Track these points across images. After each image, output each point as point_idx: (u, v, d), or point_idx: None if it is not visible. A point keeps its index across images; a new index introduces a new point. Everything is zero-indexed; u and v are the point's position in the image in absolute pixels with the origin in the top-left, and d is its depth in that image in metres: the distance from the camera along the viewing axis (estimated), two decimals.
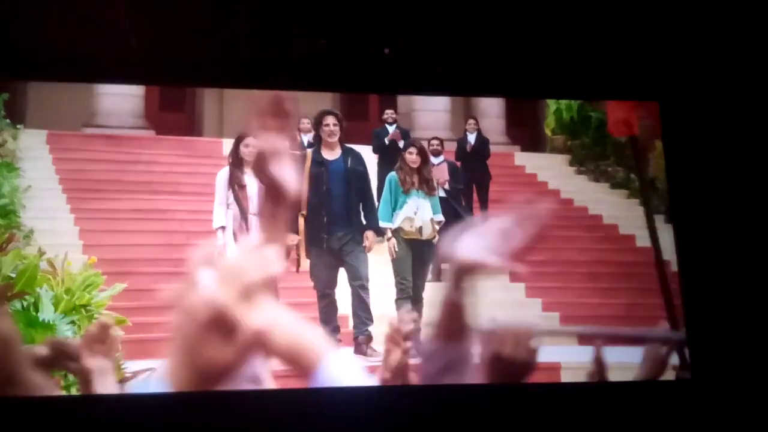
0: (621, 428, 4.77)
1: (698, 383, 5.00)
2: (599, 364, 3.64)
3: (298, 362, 1.35)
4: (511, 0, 4.66)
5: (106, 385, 2.49)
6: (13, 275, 4.92)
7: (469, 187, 6.33)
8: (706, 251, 5.25)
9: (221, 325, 1.20)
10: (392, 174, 5.90)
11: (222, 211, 5.58)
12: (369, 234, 5.68)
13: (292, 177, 1.71)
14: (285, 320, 1.31)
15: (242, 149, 5.57)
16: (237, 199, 5.57)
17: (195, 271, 1.26)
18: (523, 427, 4.68)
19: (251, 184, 5.54)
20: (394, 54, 5.13)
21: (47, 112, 6.21)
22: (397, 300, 5.66)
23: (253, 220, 5.46)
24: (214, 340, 1.22)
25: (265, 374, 1.85)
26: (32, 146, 6.15)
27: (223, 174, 5.61)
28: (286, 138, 1.76)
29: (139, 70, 5.19)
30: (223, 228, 5.54)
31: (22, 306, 4.84)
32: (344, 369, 1.37)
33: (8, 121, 5.90)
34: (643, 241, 5.78)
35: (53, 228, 5.79)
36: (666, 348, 2.83)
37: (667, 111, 5.39)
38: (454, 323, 1.99)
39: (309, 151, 5.88)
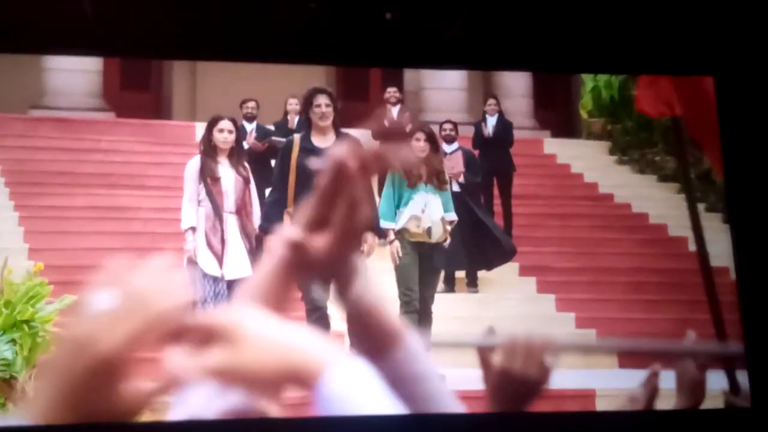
0: None
1: (759, 412, 5.06)
2: (651, 390, 3.63)
3: (294, 379, 1.36)
4: None
5: None
6: None
7: (489, 180, 6.37)
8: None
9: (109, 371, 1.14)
10: None
11: (192, 208, 5.56)
12: (367, 236, 5.60)
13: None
14: (256, 331, 1.27)
15: (216, 135, 5.56)
16: (209, 195, 5.55)
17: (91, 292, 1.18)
18: None
19: (226, 176, 5.54)
20: (397, 19, 5.19)
21: None
22: (401, 315, 5.63)
23: (229, 219, 5.49)
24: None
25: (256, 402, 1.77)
26: None
27: (194, 165, 5.59)
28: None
29: (96, 39, 5.27)
30: (193, 229, 5.52)
31: None
32: (354, 380, 1.33)
33: None
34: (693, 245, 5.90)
35: None
36: (701, 369, 2.80)
37: (724, 88, 5.43)
38: (370, 332, 1.95)
39: (297, 137, 5.87)
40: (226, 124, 5.58)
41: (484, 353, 2.81)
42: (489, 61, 5.71)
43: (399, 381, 1.57)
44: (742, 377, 5.04)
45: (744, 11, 5.03)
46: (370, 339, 1.76)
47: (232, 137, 5.56)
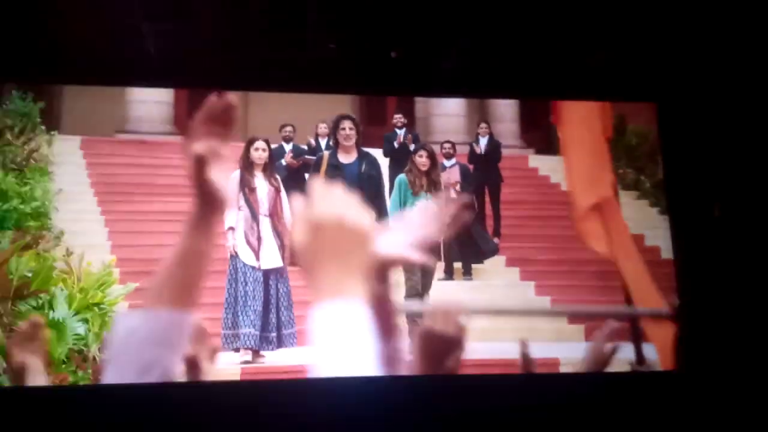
0: (612, 420, 5.10)
1: (691, 375, 5.29)
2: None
3: None
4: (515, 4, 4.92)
5: (36, 381, 2.60)
6: (29, 275, 5.32)
7: (482, 189, 6.58)
8: (701, 243, 5.57)
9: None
10: (402, 176, 6.15)
11: (233, 213, 5.80)
12: None
13: (225, 185, 1.84)
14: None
15: (252, 152, 5.87)
16: (247, 201, 5.83)
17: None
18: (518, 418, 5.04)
19: (261, 186, 5.82)
20: (402, 56, 5.40)
21: (82, 119, 6.61)
22: (405, 297, 5.88)
23: (263, 221, 5.76)
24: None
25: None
26: (66, 151, 6.54)
27: (234, 177, 5.77)
28: (226, 144, 1.93)
29: (164, 76, 5.57)
30: (232, 229, 5.79)
31: (37, 304, 5.27)
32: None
33: (43, 128, 6.25)
34: (652, 240, 6.12)
35: (84, 229, 6.11)
36: (611, 345, 3.07)
37: (666, 114, 5.74)
38: (381, 319, 1.89)
39: (326, 153, 6.15)
40: (260, 143, 5.89)
41: (410, 318, 3.10)
42: (479, 91, 6.04)
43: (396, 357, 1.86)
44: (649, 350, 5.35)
45: (684, 45, 5.28)
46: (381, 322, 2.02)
47: (265, 154, 5.86)
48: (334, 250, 1.32)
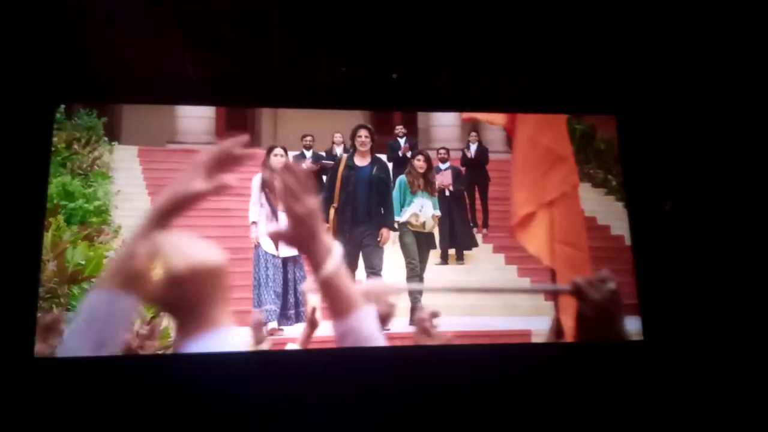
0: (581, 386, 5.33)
1: (651, 345, 5.55)
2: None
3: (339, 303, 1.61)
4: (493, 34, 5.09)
5: None
6: (83, 263, 5.55)
7: (472, 188, 6.75)
8: (656, 232, 5.84)
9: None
10: (402, 177, 6.41)
11: (255, 209, 6.06)
12: (384, 231, 6.19)
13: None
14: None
15: (271, 158, 6.11)
16: (268, 199, 6.07)
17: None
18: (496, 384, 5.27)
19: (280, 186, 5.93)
20: (402, 77, 5.65)
21: (138, 131, 6.79)
22: (408, 278, 6.19)
23: (281, 216, 5.87)
24: None
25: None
26: (125, 159, 6.71)
27: (257, 179, 6.10)
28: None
29: (203, 95, 5.90)
30: (255, 223, 6.04)
31: (89, 288, 5.43)
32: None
33: (106, 139, 6.50)
34: (617, 230, 6.30)
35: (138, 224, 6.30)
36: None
37: (625, 125, 5.99)
38: (333, 300, 2.06)
39: (345, 155, 6.43)
40: (278, 150, 6.13)
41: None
42: (468, 105, 6.24)
43: (345, 335, 2.01)
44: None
45: (643, 58, 5.42)
46: (332, 304, 2.03)
47: (283, 159, 6.06)
48: (197, 291, 1.39)
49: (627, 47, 5.28)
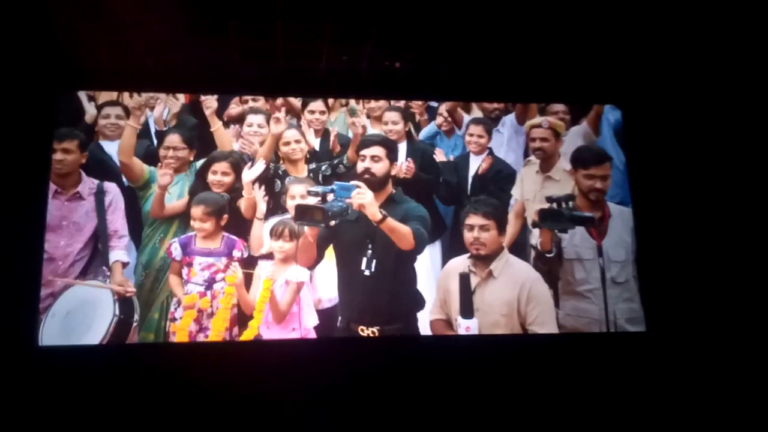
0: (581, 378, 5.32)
1: (653, 336, 5.56)
2: None
3: None
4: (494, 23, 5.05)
5: None
6: None
7: None
8: (659, 223, 5.82)
9: None
10: None
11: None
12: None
13: None
14: None
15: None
16: None
17: None
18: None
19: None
20: (404, 66, 5.58)
21: None
22: None
23: None
24: None
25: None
26: None
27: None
28: None
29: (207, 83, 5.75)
30: None
31: None
32: None
33: None
34: None
35: None
36: None
37: (630, 118, 5.99)
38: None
39: None
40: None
41: None
42: (469, 94, 6.20)
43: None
44: None
45: (649, 50, 5.40)
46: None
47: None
48: None
49: (632, 39, 5.25)
